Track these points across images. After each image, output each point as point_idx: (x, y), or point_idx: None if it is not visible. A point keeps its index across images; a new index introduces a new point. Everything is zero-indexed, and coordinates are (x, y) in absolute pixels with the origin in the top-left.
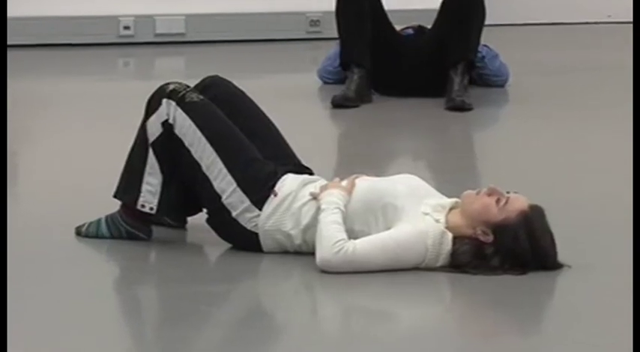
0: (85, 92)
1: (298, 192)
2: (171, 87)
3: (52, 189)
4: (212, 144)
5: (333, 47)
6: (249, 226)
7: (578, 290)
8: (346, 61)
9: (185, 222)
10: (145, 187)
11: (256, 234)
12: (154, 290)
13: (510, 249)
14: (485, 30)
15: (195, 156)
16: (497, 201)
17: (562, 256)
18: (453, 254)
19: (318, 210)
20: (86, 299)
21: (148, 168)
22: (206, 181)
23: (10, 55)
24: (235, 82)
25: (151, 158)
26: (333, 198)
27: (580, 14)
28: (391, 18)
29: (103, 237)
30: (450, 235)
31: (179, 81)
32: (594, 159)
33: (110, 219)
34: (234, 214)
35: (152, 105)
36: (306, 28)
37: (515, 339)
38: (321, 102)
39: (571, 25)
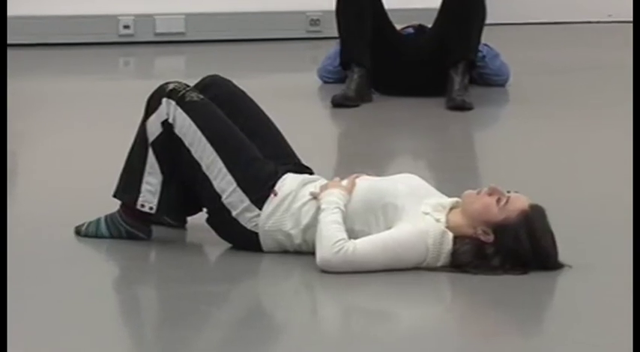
0: (84, 91)
1: (298, 191)
2: (171, 86)
3: (52, 189)
4: (212, 143)
5: (333, 46)
6: (249, 226)
7: (578, 290)
8: (346, 60)
9: (185, 221)
10: (144, 187)
11: (256, 234)
12: (153, 290)
13: (511, 248)
14: (485, 29)
15: (195, 155)
16: (498, 200)
17: (562, 256)
18: (454, 254)
19: (318, 209)
20: (86, 299)
21: (147, 168)
22: (206, 181)
23: (10, 54)
24: (235, 81)
25: (151, 157)
26: (334, 197)
27: (581, 13)
28: (391, 17)
29: (102, 237)
30: (450, 235)
31: (179, 80)
32: (594, 159)
33: (110, 218)
34: (234, 214)
35: (152, 105)
36: (306, 27)
37: (515, 339)
38: (321, 101)
39: (572, 24)
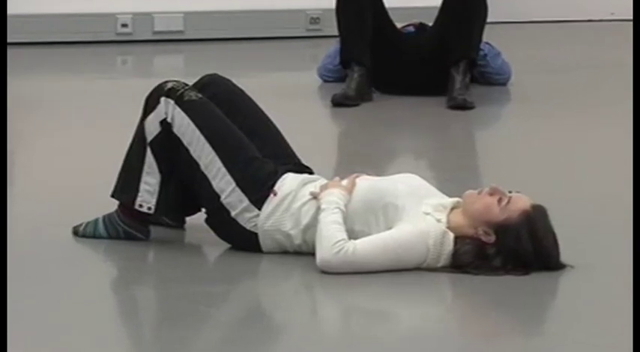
0: (82, 90)
1: (298, 191)
2: (169, 85)
3: (50, 188)
4: (211, 143)
5: (334, 45)
6: (248, 226)
7: (578, 290)
8: (346, 59)
9: (184, 221)
10: (142, 187)
11: (255, 234)
12: (152, 290)
13: (513, 249)
14: (487, 27)
15: (194, 155)
16: (499, 200)
17: (562, 256)
18: (455, 254)
19: (318, 209)
20: (84, 299)
21: (145, 168)
22: (205, 180)
23: (9, 52)
24: (234, 80)
25: (149, 157)
26: (334, 197)
27: (583, 12)
28: (392, 15)
29: (100, 237)
30: (451, 235)
31: (177, 79)
32: (595, 159)
33: (108, 218)
34: (233, 214)
35: (150, 104)
36: (305, 26)
37: (516, 340)
38: (321, 100)
39: (574, 22)
